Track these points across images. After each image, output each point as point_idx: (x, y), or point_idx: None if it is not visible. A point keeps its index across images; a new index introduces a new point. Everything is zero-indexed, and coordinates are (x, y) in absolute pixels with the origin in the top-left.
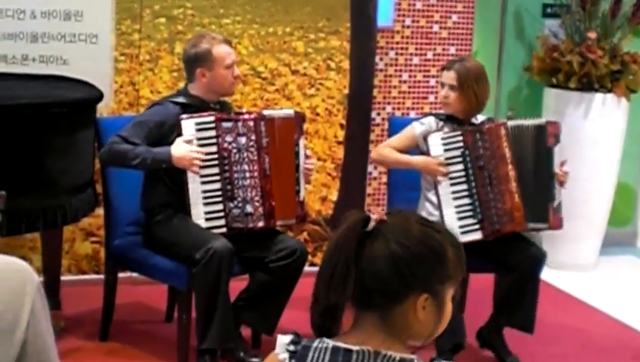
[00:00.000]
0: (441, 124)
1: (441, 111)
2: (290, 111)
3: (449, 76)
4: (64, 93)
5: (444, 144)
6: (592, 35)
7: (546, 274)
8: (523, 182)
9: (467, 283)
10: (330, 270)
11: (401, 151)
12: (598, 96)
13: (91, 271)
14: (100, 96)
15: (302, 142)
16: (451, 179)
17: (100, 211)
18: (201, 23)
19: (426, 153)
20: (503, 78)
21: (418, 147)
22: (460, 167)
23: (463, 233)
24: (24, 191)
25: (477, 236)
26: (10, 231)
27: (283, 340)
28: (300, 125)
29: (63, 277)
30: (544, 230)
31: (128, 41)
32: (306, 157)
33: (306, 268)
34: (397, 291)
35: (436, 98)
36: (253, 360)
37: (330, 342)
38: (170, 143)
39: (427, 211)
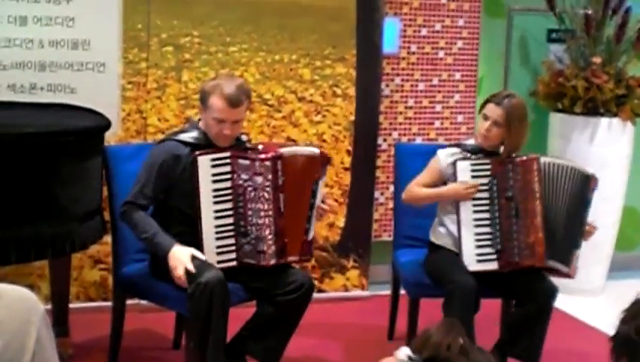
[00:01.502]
0: (467, 154)
1: (469, 142)
2: (316, 151)
3: (497, 112)
4: (72, 121)
5: (473, 170)
6: (597, 59)
7: (559, 303)
8: (550, 220)
9: (478, 309)
10: None
11: (429, 185)
12: (604, 121)
13: (99, 298)
14: (107, 125)
15: (321, 182)
16: (475, 206)
17: (108, 239)
18: (208, 51)
19: (451, 179)
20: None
21: (443, 180)
22: (486, 195)
23: (479, 261)
24: (33, 219)
25: (493, 266)
26: (19, 259)
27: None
28: (324, 166)
29: (71, 305)
30: (560, 274)
31: (136, 70)
32: (322, 201)
33: (315, 295)
34: None
35: (442, 123)
36: None
37: None
38: (182, 182)
39: (440, 235)
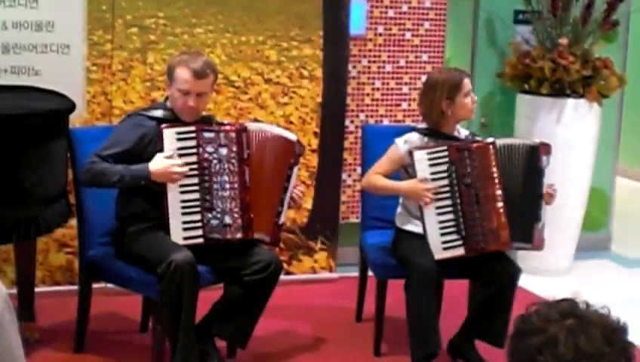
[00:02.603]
0: (425, 139)
1: (422, 126)
2: (292, 136)
3: (469, 82)
4: (36, 104)
5: (430, 159)
6: (564, 40)
7: (521, 280)
8: (510, 201)
9: (442, 291)
10: None
11: (389, 173)
12: (570, 102)
13: (66, 282)
14: (72, 107)
15: (296, 170)
16: (436, 193)
17: (74, 222)
18: (173, 33)
19: (411, 168)
20: (475, 85)
21: (403, 165)
22: (445, 182)
23: (445, 248)
24: None
25: (459, 252)
26: None
27: None
28: (298, 154)
29: (37, 289)
30: (527, 250)
31: (100, 52)
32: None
33: (281, 277)
34: None
35: (409, 105)
36: None
37: None
38: (151, 157)
39: (405, 220)
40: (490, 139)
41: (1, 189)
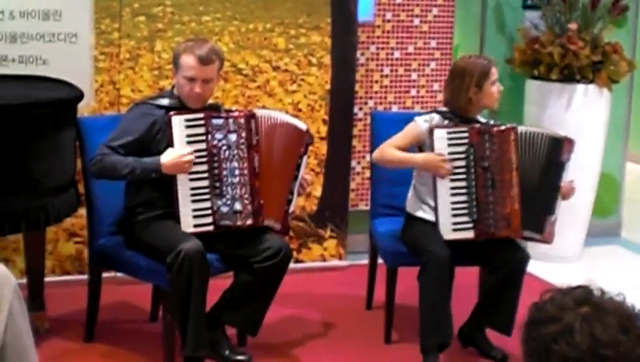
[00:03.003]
0: (446, 121)
1: (444, 109)
2: (302, 125)
3: (496, 70)
4: (45, 93)
5: (449, 139)
6: (573, 26)
7: (531, 266)
8: (525, 189)
9: (453, 278)
10: None
11: (403, 149)
12: (580, 87)
13: (75, 271)
14: (80, 96)
15: (305, 159)
16: (452, 174)
17: (83, 211)
18: (180, 21)
19: (429, 147)
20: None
21: (419, 144)
22: (462, 163)
23: (455, 230)
24: (6, 192)
25: (469, 235)
26: None
27: None
28: (308, 143)
29: (46, 278)
30: (536, 241)
31: (108, 40)
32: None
33: (291, 266)
34: None
35: (418, 92)
36: (239, 357)
37: None
38: (160, 145)
39: (416, 206)
40: (511, 125)
41: (10, 179)
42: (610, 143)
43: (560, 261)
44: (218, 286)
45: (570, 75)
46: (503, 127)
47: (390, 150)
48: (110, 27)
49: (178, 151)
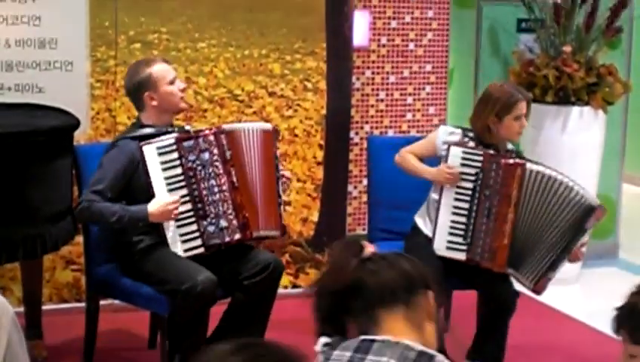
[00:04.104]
0: (466, 139)
1: (470, 128)
2: (267, 125)
3: (524, 105)
4: (41, 121)
5: (463, 158)
6: (567, 48)
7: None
8: (536, 234)
9: (450, 301)
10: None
11: (423, 156)
12: (575, 110)
13: (73, 299)
14: (76, 124)
15: (278, 154)
16: (457, 193)
17: (79, 239)
18: (176, 48)
19: (444, 159)
20: (479, 94)
21: (437, 154)
22: (470, 185)
23: (448, 248)
24: (3, 220)
25: (460, 256)
26: None
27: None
28: (274, 136)
29: (44, 307)
30: (522, 284)
31: (104, 68)
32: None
33: (288, 291)
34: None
35: (414, 116)
36: None
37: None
38: (142, 177)
39: (422, 214)
40: (521, 161)
41: (7, 207)
42: (605, 165)
43: (558, 283)
44: (216, 311)
45: (565, 97)
46: (511, 161)
47: (410, 157)
48: (106, 55)
49: (165, 199)
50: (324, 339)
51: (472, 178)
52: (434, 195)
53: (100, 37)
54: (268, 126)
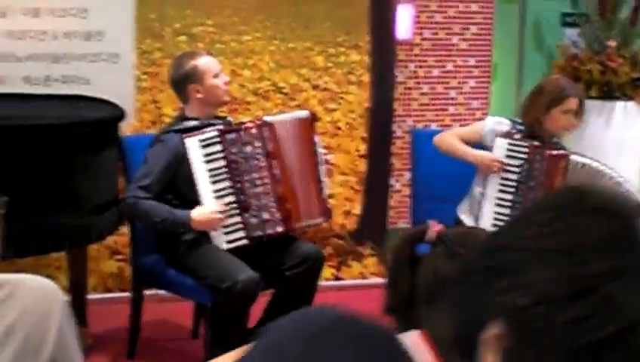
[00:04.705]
0: (514, 131)
1: (519, 120)
2: (303, 112)
3: (576, 103)
4: (87, 112)
5: (509, 150)
6: (612, 43)
7: None
8: None
9: None
10: (388, 272)
11: (465, 142)
12: (620, 105)
13: (117, 289)
14: (122, 115)
15: (317, 139)
16: (501, 185)
17: (124, 229)
18: (221, 40)
19: (489, 150)
20: (523, 89)
21: (481, 143)
22: (514, 177)
23: None
24: (50, 210)
25: None
26: (37, 251)
27: None
28: (312, 123)
29: (89, 296)
30: None
31: (150, 60)
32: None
33: (331, 283)
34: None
35: (457, 110)
36: None
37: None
38: (190, 169)
39: (464, 208)
40: (564, 152)
41: (54, 197)
42: None
43: None
44: (259, 302)
45: (609, 92)
46: (555, 152)
47: (451, 138)
48: (152, 47)
49: (210, 208)
50: None
51: (517, 170)
52: (477, 188)
53: (146, 29)
54: (305, 113)
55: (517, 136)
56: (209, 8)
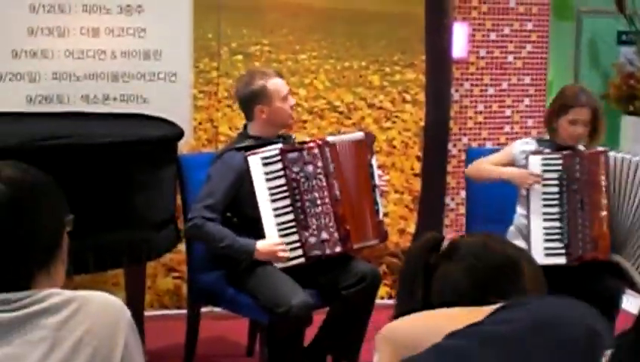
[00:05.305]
0: (541, 148)
1: (546, 137)
2: (360, 134)
3: (584, 113)
4: (146, 130)
5: (544, 165)
6: None
7: (627, 303)
8: (617, 217)
9: None
10: (401, 280)
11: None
12: None
13: (173, 306)
14: (181, 134)
15: (374, 161)
16: (544, 200)
17: (181, 247)
18: (277, 59)
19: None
20: None
21: (514, 164)
22: (556, 189)
23: (547, 255)
24: (109, 227)
25: (561, 260)
26: (97, 267)
27: None
28: (371, 144)
29: (145, 313)
30: (631, 277)
31: (206, 79)
32: (379, 176)
33: (387, 301)
34: (474, 301)
35: (511, 128)
36: None
37: None
38: (251, 187)
39: (514, 237)
40: (602, 148)
41: (114, 214)
42: None
43: None
44: (315, 319)
45: None
46: (593, 150)
47: (482, 164)
48: (209, 66)
49: (275, 241)
50: None
51: (556, 181)
52: (521, 211)
53: (203, 48)
54: (360, 134)
55: (547, 151)
56: (265, 27)
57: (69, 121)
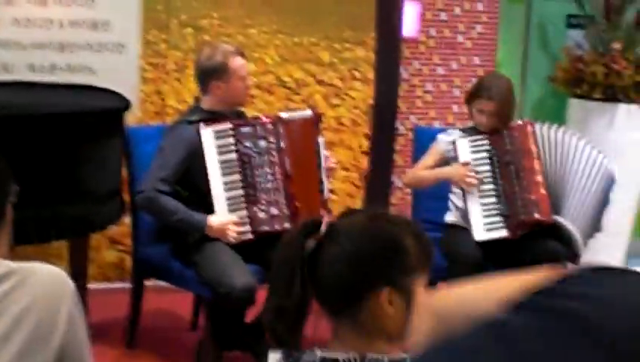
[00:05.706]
0: (464, 134)
1: (469, 125)
2: (309, 112)
3: (490, 106)
4: (92, 102)
5: (472, 146)
6: (617, 45)
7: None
8: (551, 182)
9: None
10: (274, 273)
11: (432, 168)
12: (622, 107)
13: (117, 279)
14: (127, 105)
15: (321, 140)
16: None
17: (126, 220)
18: (227, 33)
19: (454, 159)
20: (527, 89)
21: (446, 160)
22: (487, 168)
23: (488, 230)
24: (53, 199)
25: (502, 233)
26: (40, 239)
27: (274, 356)
28: (317, 122)
29: (89, 286)
30: (572, 234)
31: (155, 51)
32: (326, 157)
33: None
34: (357, 289)
35: (460, 108)
36: None
37: (318, 354)
38: (200, 162)
39: (449, 213)
40: (526, 120)
41: (58, 186)
42: None
43: None
44: (259, 295)
45: (612, 94)
46: (520, 122)
47: (417, 172)
48: (157, 38)
49: (227, 218)
50: (274, 355)
51: (487, 160)
52: (452, 195)
53: (152, 20)
54: (308, 112)
55: (472, 134)
56: (216, 1)
57: (14, 90)
